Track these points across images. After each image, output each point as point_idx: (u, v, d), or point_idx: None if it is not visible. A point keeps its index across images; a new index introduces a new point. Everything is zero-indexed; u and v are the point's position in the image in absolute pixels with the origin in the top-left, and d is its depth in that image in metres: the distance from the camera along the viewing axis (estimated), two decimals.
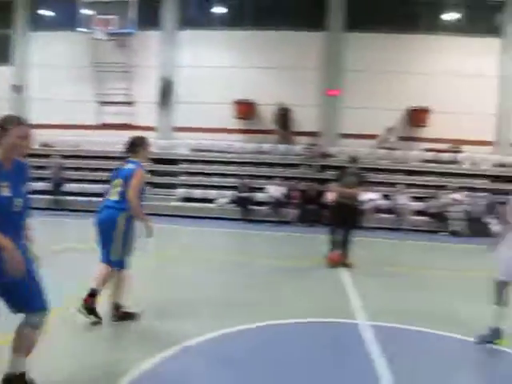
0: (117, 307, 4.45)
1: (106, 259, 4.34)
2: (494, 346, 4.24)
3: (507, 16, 15.77)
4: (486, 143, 15.40)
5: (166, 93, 16.31)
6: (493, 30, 15.94)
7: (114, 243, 4.30)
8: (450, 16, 16.33)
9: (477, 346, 4.24)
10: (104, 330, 4.27)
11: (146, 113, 16.43)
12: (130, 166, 4.45)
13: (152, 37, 16.62)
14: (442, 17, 16.35)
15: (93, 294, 4.26)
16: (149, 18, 16.44)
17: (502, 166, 15.08)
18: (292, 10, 16.30)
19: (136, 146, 4.57)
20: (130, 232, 4.40)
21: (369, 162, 14.60)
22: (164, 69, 16.51)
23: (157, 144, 14.10)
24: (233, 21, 16.73)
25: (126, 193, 4.30)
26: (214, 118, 15.76)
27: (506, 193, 14.26)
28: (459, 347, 4.32)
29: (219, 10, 16.96)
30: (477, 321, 4.44)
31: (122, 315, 4.44)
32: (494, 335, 4.30)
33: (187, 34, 16.55)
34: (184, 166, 15.54)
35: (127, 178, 4.33)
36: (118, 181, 4.40)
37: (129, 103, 16.68)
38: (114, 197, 4.38)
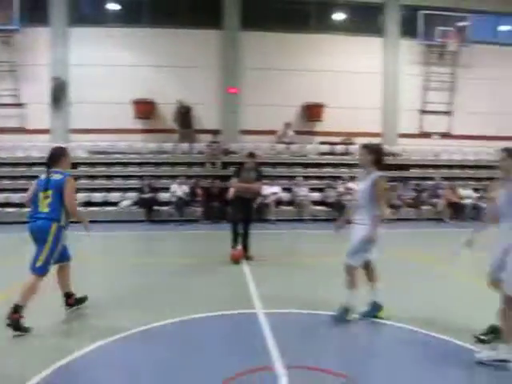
0: (68, 295, 4.96)
1: (32, 266, 4.48)
2: (375, 319, 4.74)
3: (388, 18, 17.14)
4: (375, 135, 16.60)
5: (58, 93, 15.53)
6: (376, 31, 17.24)
7: (44, 251, 4.47)
8: (338, 16, 17.35)
9: (361, 323, 4.70)
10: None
11: (38, 115, 15.53)
12: (57, 176, 4.62)
13: (41, 34, 15.70)
14: (331, 17, 17.31)
15: (16, 310, 4.31)
16: (36, 13, 15.57)
17: (390, 155, 16.38)
18: (189, 8, 16.32)
19: (58, 156, 4.81)
20: (59, 241, 4.58)
21: (269, 156, 15.19)
22: (55, 68, 15.68)
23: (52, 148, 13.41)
24: (129, 18, 16.30)
25: (56, 203, 4.52)
26: (112, 118, 15.33)
27: (394, 180, 15.69)
28: (347, 326, 4.73)
29: (114, 6, 16.38)
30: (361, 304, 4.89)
31: (74, 302, 4.93)
32: (374, 310, 4.80)
33: (80, 32, 15.84)
34: (83, 170, 14.94)
35: (60, 188, 4.54)
36: (48, 192, 4.54)
37: (18, 105, 15.68)
38: (45, 209, 4.53)
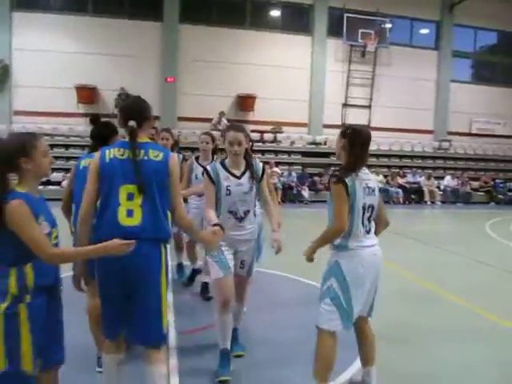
0: None
1: None
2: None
3: (316, 18, 18.80)
4: (302, 125, 18.34)
5: (0, 76, 16.16)
6: (305, 29, 18.90)
7: None
8: (272, 14, 18.85)
9: None
10: None
11: None
12: None
13: None
14: (265, 15, 18.81)
15: None
16: None
17: (314, 144, 18.25)
18: (132, 0, 17.35)
19: None
20: None
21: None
22: None
23: None
24: (74, 6, 17.01)
25: None
26: (56, 102, 16.13)
27: (317, 166, 17.56)
28: None
29: None
30: None
31: None
32: None
33: (23, 16, 16.42)
34: None
35: None
36: None
37: None
38: None
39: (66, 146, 15.94)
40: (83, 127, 16.62)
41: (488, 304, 5.54)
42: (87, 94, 16.56)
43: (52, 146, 15.88)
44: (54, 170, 15.47)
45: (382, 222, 3.35)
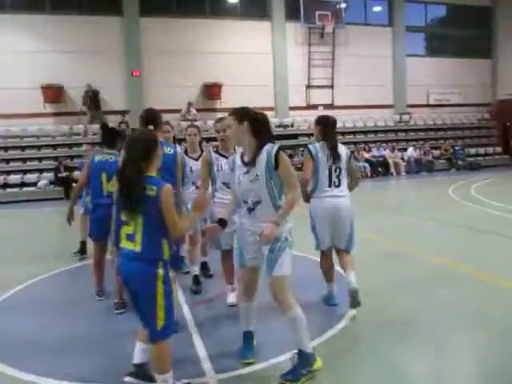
0: None
1: None
2: None
3: (274, 3, 19.21)
4: (268, 109, 18.81)
5: None
6: (264, 15, 19.31)
7: None
8: (230, 1, 19.13)
9: None
10: None
11: None
12: None
13: None
14: (223, 3, 19.08)
15: None
16: None
17: (281, 126, 18.82)
18: None
19: None
20: None
21: (175, 133, 16.84)
22: None
23: None
24: (30, 4, 16.88)
25: None
26: (22, 103, 16.03)
27: (286, 148, 18.06)
28: None
29: None
30: None
31: None
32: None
33: None
34: None
35: None
36: None
37: None
38: None
39: (38, 147, 15.95)
40: (52, 127, 16.72)
41: (456, 256, 6.30)
42: (53, 93, 16.54)
43: (23, 148, 15.97)
44: (27, 171, 15.58)
45: (354, 179, 4.61)
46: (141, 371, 3.08)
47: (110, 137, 5.18)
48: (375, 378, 3.31)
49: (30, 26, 16.56)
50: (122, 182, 2.84)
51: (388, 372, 3.35)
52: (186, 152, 5.65)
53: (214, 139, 16.03)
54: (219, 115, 17.61)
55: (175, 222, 2.84)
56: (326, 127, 4.47)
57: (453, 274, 5.59)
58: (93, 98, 16.71)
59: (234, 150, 4.45)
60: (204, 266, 5.83)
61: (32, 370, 3.47)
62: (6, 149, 15.90)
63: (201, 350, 3.74)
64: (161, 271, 2.83)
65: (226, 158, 4.37)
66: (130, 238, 2.85)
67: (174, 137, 5.49)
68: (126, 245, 2.87)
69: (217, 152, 4.67)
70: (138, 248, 2.83)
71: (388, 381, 3.25)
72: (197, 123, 17.64)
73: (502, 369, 3.32)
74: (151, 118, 4.24)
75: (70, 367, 3.52)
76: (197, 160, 5.47)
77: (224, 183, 4.51)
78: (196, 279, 5.33)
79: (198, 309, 4.72)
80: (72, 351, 3.84)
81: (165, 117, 4.95)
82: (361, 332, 4.08)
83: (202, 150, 5.65)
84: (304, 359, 3.22)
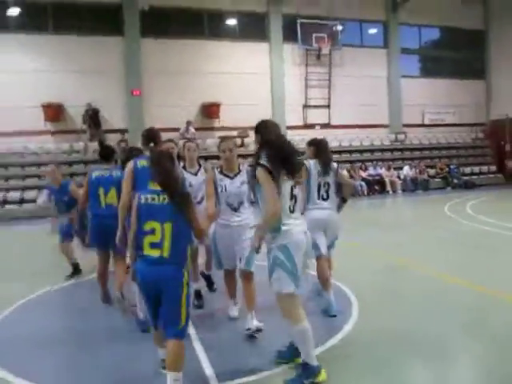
0: None
1: None
2: None
3: (272, 25, 19.65)
4: None
5: None
6: (262, 37, 19.73)
7: None
8: (229, 23, 19.54)
9: None
10: None
11: None
12: None
13: None
14: (222, 25, 19.49)
15: None
16: None
17: None
18: (91, 17, 17.64)
19: None
20: None
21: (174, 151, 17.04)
22: None
23: None
24: (34, 25, 17.12)
25: None
26: (23, 121, 16.14)
27: None
28: None
29: (17, 12, 16.69)
30: None
31: None
32: None
33: None
34: None
35: None
36: None
37: None
38: None
39: (38, 165, 16.08)
40: (52, 144, 16.89)
41: (453, 270, 6.45)
42: (54, 111, 16.74)
43: (23, 166, 16.11)
44: (27, 188, 15.69)
45: (347, 186, 5.18)
46: None
47: (106, 153, 5.65)
48: None
49: (32, 46, 16.82)
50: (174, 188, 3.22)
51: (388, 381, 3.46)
52: (184, 167, 5.67)
53: (212, 158, 16.24)
54: (218, 134, 18.38)
55: (197, 219, 3.21)
56: (319, 148, 5.01)
57: (450, 286, 5.73)
58: (93, 117, 16.93)
59: (239, 169, 4.57)
60: (208, 280, 5.93)
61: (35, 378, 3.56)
62: (6, 166, 16.03)
63: (204, 362, 3.84)
64: (186, 275, 3.17)
65: (231, 178, 4.49)
66: (156, 245, 3.12)
67: (178, 153, 5.61)
68: (149, 252, 3.14)
69: (221, 172, 4.57)
70: (166, 254, 3.11)
71: None
72: (196, 142, 18.10)
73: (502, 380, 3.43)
74: (152, 136, 4.79)
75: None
76: (195, 175, 5.56)
77: (228, 204, 4.51)
78: (198, 294, 5.43)
79: (200, 321, 4.82)
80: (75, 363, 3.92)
81: (164, 135, 5.16)
82: (360, 343, 4.18)
83: (199, 165, 5.72)
84: (309, 371, 3.35)
